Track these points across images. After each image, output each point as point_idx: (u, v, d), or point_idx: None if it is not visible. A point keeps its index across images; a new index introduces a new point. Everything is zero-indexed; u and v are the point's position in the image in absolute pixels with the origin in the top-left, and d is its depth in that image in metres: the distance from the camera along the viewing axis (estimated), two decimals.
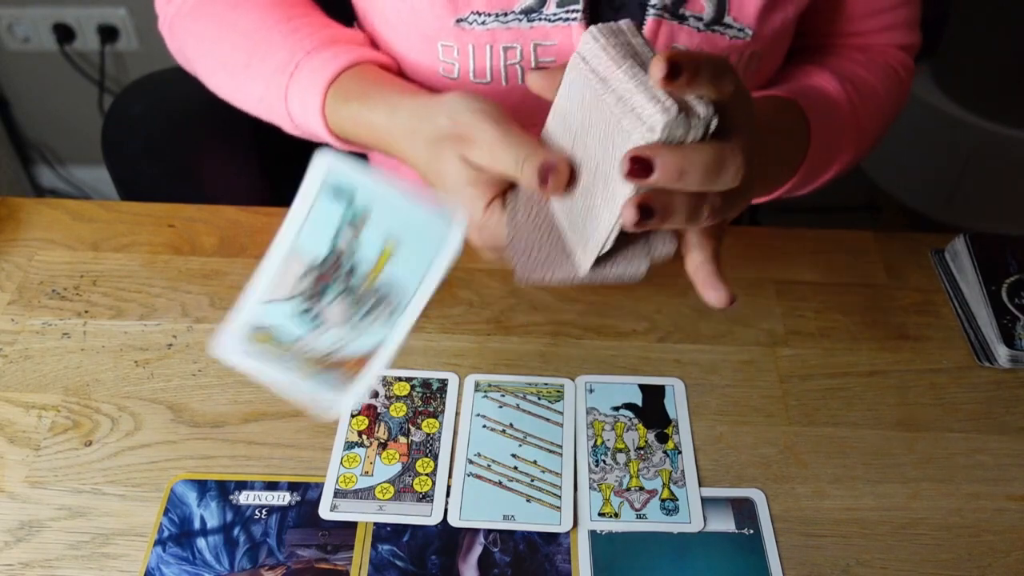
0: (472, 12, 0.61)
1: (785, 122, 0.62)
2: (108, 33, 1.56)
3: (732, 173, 0.43)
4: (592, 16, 0.61)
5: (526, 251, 0.49)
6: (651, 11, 0.60)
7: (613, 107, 0.42)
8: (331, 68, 0.59)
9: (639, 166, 0.41)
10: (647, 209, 0.42)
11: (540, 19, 0.60)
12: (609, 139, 0.43)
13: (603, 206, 0.44)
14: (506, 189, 0.50)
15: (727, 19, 0.61)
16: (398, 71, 0.66)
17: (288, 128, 0.64)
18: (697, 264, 0.48)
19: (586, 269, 0.48)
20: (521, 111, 0.60)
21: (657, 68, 0.39)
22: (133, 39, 1.58)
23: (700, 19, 0.61)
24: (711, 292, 0.48)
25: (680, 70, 0.39)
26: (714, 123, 0.41)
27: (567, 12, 0.60)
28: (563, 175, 0.46)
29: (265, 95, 0.63)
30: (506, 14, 0.61)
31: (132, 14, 1.54)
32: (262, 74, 0.62)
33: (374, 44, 0.68)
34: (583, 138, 0.45)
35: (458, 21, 0.61)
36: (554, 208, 0.50)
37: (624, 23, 0.44)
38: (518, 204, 0.49)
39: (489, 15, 0.61)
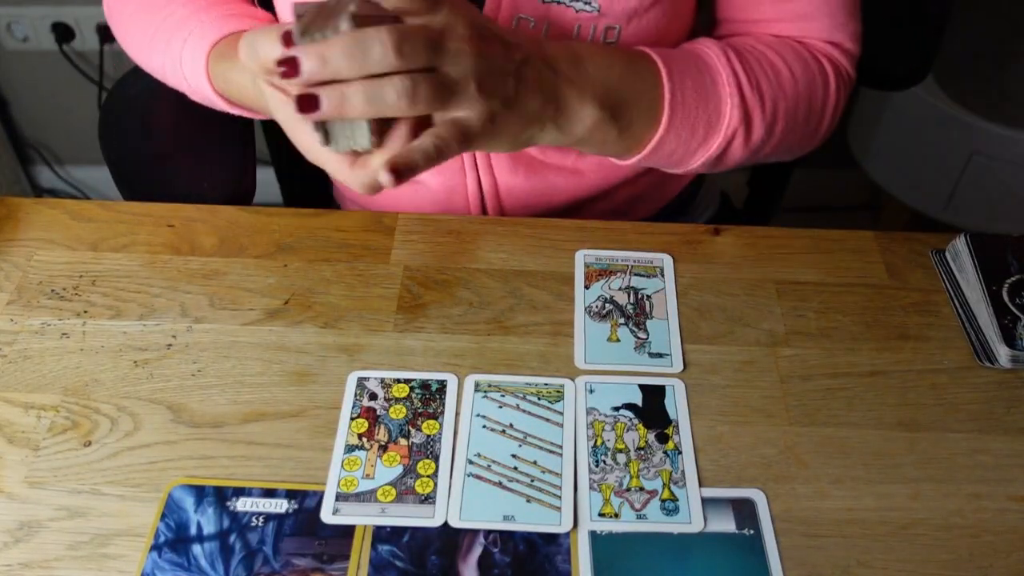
0: None
1: (616, 55, 0.61)
2: (107, 32, 1.56)
3: (379, 49, 0.47)
4: None
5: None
6: None
7: None
8: (217, 34, 0.65)
9: (287, 66, 0.48)
10: (307, 98, 0.48)
11: None
12: None
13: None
14: None
15: None
16: None
17: (188, 93, 0.70)
18: (408, 146, 0.51)
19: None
20: None
21: None
22: None
23: None
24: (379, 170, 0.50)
25: None
26: (346, 17, 0.47)
27: None
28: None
29: (165, 63, 0.68)
30: None
31: None
32: (161, 44, 0.68)
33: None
34: None
35: None
36: None
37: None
38: None
39: None
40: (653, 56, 0.61)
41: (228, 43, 0.65)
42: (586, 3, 0.62)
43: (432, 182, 0.77)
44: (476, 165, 0.75)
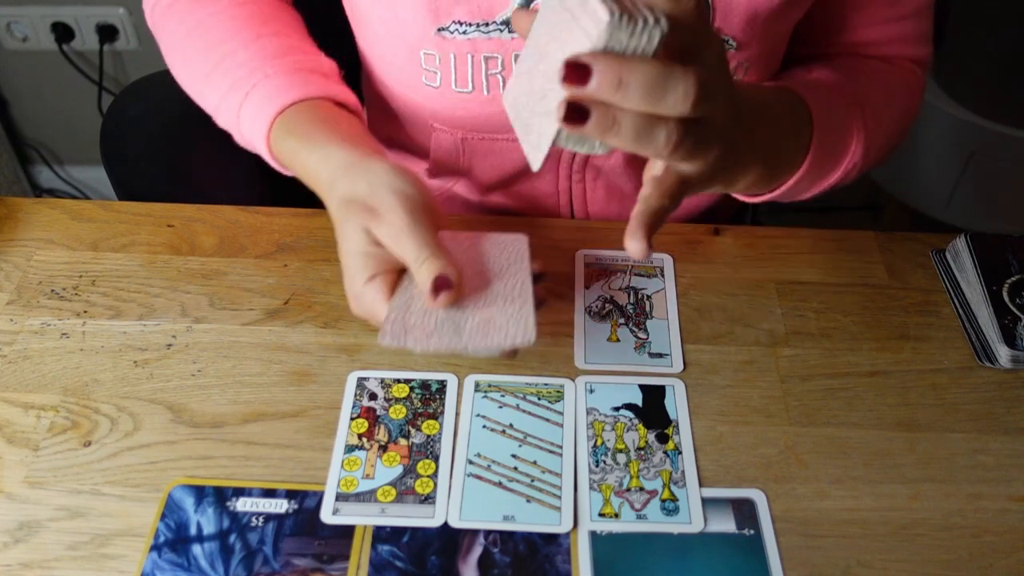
0: (453, 22, 0.61)
1: (783, 107, 0.60)
2: (107, 32, 1.56)
3: (680, 95, 0.41)
4: None
5: (402, 325, 0.51)
6: None
7: (574, 9, 0.41)
8: (283, 99, 0.60)
9: (576, 72, 0.40)
10: (578, 109, 0.41)
11: None
12: (567, 44, 0.41)
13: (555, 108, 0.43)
14: (391, 271, 0.53)
15: None
16: (356, 107, 0.64)
17: (239, 141, 0.65)
18: (636, 211, 0.47)
19: (539, 161, 0.46)
20: (503, 121, 0.61)
21: None
22: (132, 38, 1.57)
23: None
24: (630, 241, 0.46)
25: None
26: (661, 33, 0.39)
27: None
28: (453, 295, 0.49)
29: (220, 107, 0.64)
30: (487, 24, 0.61)
31: (131, 13, 1.54)
32: (220, 87, 0.63)
33: (351, 71, 0.67)
34: (547, 47, 0.44)
35: (439, 30, 0.61)
36: (515, 101, 0.47)
37: None
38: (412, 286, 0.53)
39: (470, 25, 0.61)
40: (810, 108, 0.60)
41: (295, 115, 0.59)
42: (723, 41, 0.61)
43: (537, 194, 0.75)
44: (571, 194, 0.75)
